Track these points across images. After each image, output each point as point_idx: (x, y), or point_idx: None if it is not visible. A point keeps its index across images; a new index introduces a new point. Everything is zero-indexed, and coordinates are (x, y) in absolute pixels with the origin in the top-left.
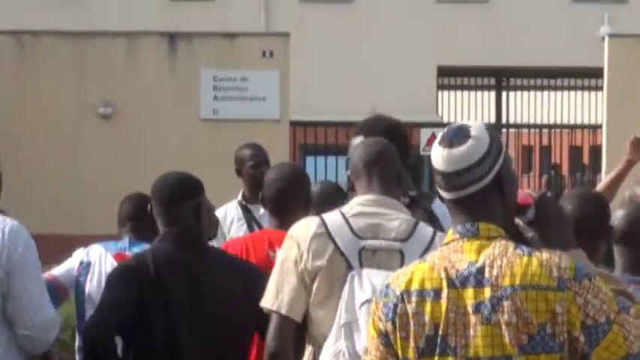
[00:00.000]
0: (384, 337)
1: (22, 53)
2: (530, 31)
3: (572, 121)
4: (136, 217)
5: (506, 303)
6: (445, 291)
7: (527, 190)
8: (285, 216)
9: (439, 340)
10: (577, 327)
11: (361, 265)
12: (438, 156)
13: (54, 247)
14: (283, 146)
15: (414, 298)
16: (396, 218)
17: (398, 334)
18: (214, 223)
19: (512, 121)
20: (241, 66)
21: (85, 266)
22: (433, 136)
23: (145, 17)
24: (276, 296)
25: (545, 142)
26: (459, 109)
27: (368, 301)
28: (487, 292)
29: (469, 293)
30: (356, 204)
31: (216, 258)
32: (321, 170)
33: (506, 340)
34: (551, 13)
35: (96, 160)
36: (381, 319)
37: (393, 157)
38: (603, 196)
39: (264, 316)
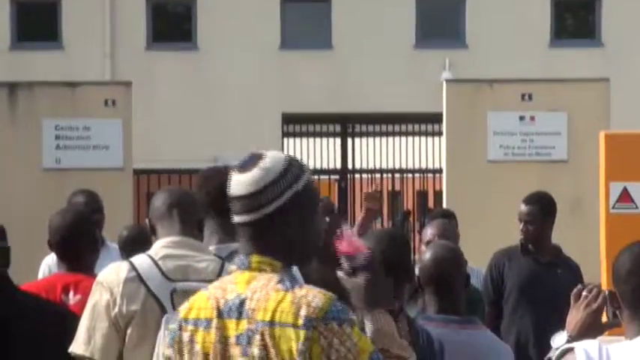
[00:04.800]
0: None
1: None
2: (374, 78)
3: (417, 166)
4: None
5: (257, 337)
6: (215, 321)
7: (355, 237)
8: (74, 259)
9: None
10: None
11: (174, 308)
12: (230, 180)
13: None
14: (127, 194)
15: (189, 327)
16: (204, 260)
17: None
18: None
19: (358, 166)
20: (83, 115)
21: None
22: None
23: None
24: (87, 342)
25: (392, 187)
26: (304, 155)
27: None
28: (244, 325)
29: (232, 324)
30: (161, 246)
31: (28, 301)
32: None
33: None
34: (394, 59)
35: None
36: (167, 346)
37: (195, 204)
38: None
39: None
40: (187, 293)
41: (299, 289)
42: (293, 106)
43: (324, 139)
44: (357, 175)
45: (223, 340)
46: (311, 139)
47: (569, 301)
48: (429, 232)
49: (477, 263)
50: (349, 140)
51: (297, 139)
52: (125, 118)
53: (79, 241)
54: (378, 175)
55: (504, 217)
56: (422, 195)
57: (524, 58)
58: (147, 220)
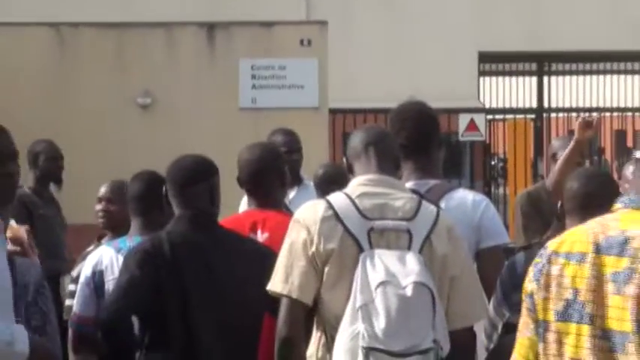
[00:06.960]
0: (529, 298)
1: (61, 45)
2: (570, 15)
3: (614, 105)
4: (145, 196)
5: (636, 276)
6: (590, 256)
7: None
8: (263, 195)
9: (578, 306)
10: None
11: (371, 246)
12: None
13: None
14: (322, 134)
15: (560, 260)
16: (401, 197)
17: (539, 295)
18: None
19: (554, 105)
20: (279, 54)
21: (99, 276)
22: (472, 122)
23: (183, 7)
24: (285, 280)
25: None
26: (500, 94)
27: (383, 283)
28: (625, 263)
29: (610, 261)
30: (358, 184)
31: (230, 239)
32: None
33: (628, 314)
34: None
35: (136, 150)
36: (530, 280)
37: (392, 142)
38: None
39: (273, 298)
40: (384, 232)
41: None
42: (489, 45)
43: (520, 78)
44: (553, 115)
45: (597, 275)
46: (507, 78)
47: None
48: (629, 170)
49: None
50: (545, 79)
51: (493, 78)
52: (321, 58)
53: (267, 176)
54: (574, 114)
55: None
56: (620, 134)
57: None
58: (343, 159)
